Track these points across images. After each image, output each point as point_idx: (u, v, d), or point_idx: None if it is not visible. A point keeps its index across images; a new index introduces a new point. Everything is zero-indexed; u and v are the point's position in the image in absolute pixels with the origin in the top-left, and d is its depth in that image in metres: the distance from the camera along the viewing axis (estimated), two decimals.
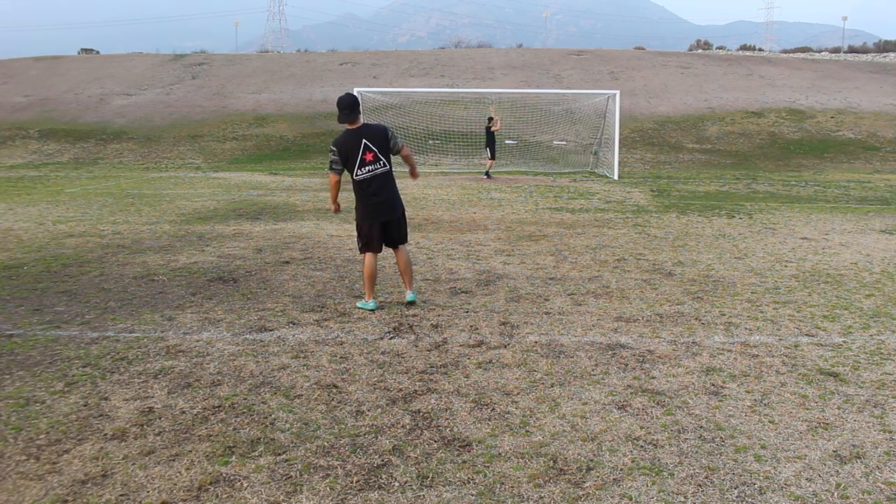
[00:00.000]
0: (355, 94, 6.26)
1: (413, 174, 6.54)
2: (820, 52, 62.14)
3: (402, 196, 6.43)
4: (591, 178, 20.94)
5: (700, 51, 59.30)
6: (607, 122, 23.15)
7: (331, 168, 6.11)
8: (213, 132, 31.03)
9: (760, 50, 65.54)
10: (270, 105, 34.30)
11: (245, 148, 29.14)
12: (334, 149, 6.01)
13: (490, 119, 20.08)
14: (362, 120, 6.09)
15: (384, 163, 6.04)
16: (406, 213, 6.46)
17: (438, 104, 28.92)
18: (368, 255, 6.23)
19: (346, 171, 6.10)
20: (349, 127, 6.01)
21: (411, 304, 6.33)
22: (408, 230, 6.46)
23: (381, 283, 7.10)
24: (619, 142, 22.02)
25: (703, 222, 11.71)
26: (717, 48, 64.66)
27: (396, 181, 6.32)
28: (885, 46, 63.31)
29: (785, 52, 66.60)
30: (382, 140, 6.03)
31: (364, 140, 5.96)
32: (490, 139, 19.99)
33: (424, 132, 26.37)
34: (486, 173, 20.36)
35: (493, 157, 20.14)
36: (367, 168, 5.98)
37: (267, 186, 17.56)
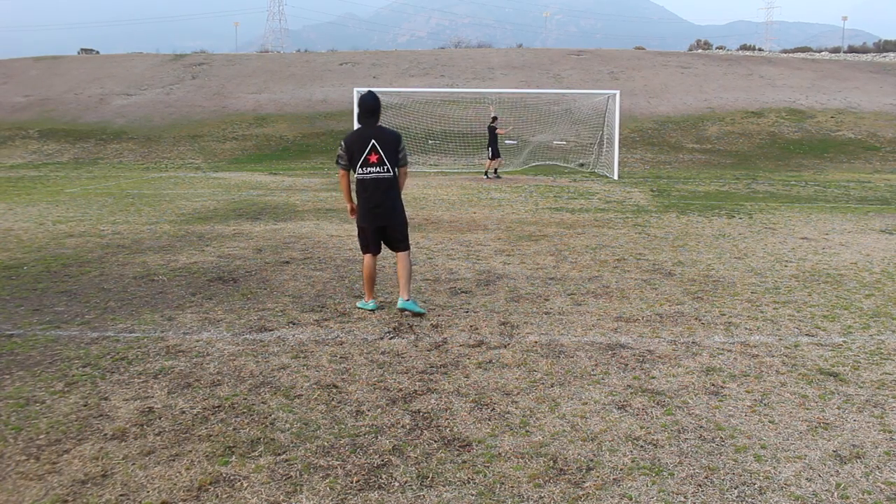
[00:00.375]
0: (378, 96, 6.01)
1: None
2: (820, 51, 62.16)
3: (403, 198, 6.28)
4: (591, 178, 20.95)
5: (700, 51, 59.32)
6: (607, 123, 23.14)
7: (337, 163, 6.08)
8: (213, 132, 31.04)
9: (760, 50, 65.55)
10: (270, 105, 34.31)
11: (245, 148, 29.15)
12: (343, 144, 5.99)
13: (494, 118, 20.04)
14: (381, 123, 6.00)
15: (388, 168, 5.89)
16: (406, 219, 6.19)
17: (438, 104, 28.93)
18: (367, 256, 6.19)
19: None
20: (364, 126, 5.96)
21: (403, 311, 6.04)
22: (408, 239, 6.17)
23: (381, 283, 7.10)
24: (619, 142, 22.02)
25: (703, 222, 11.71)
26: (716, 48, 64.68)
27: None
28: (885, 46, 63.34)
29: (785, 51, 66.63)
30: (392, 146, 5.90)
31: (373, 140, 5.86)
32: (492, 139, 19.94)
33: (424, 132, 26.37)
34: (486, 173, 20.34)
35: (496, 157, 20.06)
36: (368, 169, 5.88)
37: (267, 186, 17.56)
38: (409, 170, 6.34)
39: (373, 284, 6.27)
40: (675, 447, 3.69)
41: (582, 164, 23.24)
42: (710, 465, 3.50)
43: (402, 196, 6.27)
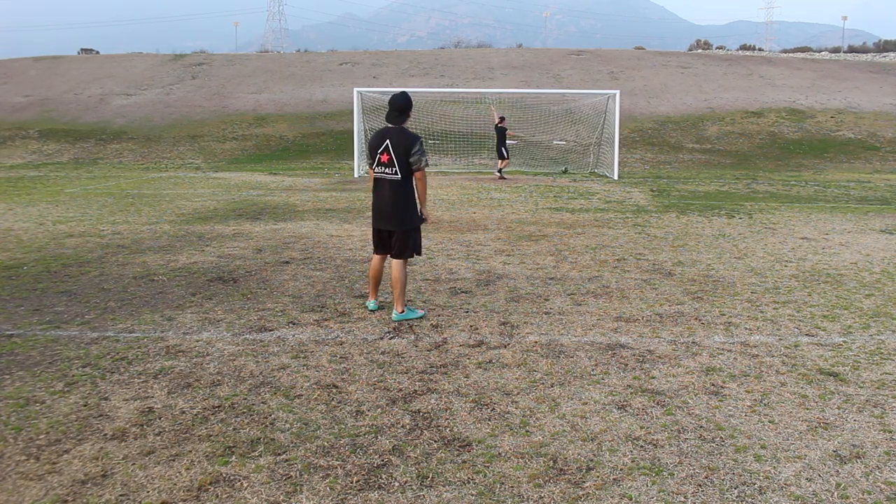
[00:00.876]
0: (409, 96, 5.88)
1: (419, 203, 5.97)
2: (820, 51, 62.16)
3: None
4: (591, 178, 20.96)
5: (700, 51, 59.31)
6: (607, 122, 23.12)
7: (367, 162, 6.08)
8: (213, 132, 31.04)
9: (760, 50, 65.55)
10: (270, 105, 34.31)
11: (245, 148, 29.14)
12: (368, 142, 5.98)
13: (502, 119, 20.14)
14: (406, 125, 5.89)
15: (395, 171, 5.76)
16: (412, 228, 5.90)
17: (438, 104, 28.92)
18: (374, 256, 6.18)
19: None
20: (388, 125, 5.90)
21: (397, 322, 5.88)
22: (409, 250, 5.95)
23: (383, 283, 7.08)
24: (619, 142, 22.02)
25: (703, 222, 11.71)
26: (716, 48, 64.68)
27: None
28: (885, 46, 63.37)
29: (785, 51, 66.62)
30: (403, 149, 5.72)
31: (387, 140, 5.78)
32: (502, 139, 19.98)
33: (424, 132, 26.34)
34: (498, 172, 20.48)
35: (507, 157, 20.18)
36: (379, 169, 5.83)
37: (267, 186, 17.56)
38: None
39: (377, 284, 6.25)
40: (675, 447, 3.70)
41: (566, 171, 23.02)
42: (710, 465, 3.50)
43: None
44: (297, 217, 12.01)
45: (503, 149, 19.95)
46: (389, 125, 5.87)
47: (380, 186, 5.89)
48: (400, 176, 5.78)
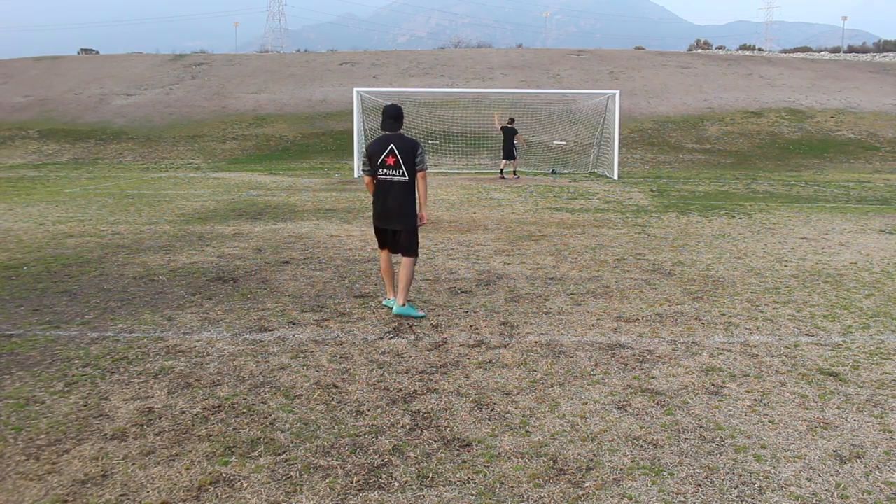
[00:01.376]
0: (400, 106, 6.22)
1: (419, 205, 6.13)
2: (820, 51, 62.16)
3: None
4: (591, 178, 20.97)
5: (700, 51, 59.31)
6: (607, 122, 23.11)
7: (362, 170, 6.26)
8: (212, 132, 31.04)
9: (760, 50, 65.56)
10: (270, 105, 34.31)
11: (245, 148, 29.15)
12: (365, 151, 6.16)
13: (511, 120, 20.24)
14: (402, 132, 6.14)
15: (403, 172, 5.97)
16: (416, 227, 6.10)
17: (438, 104, 28.91)
18: (382, 252, 6.29)
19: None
20: (386, 133, 6.10)
21: (397, 316, 5.98)
22: (416, 247, 6.14)
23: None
24: (619, 142, 22.02)
25: (703, 222, 11.71)
26: (716, 48, 64.70)
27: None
28: (884, 46, 63.39)
29: (785, 51, 66.63)
30: (409, 151, 5.99)
31: (391, 145, 5.99)
32: (510, 140, 20.03)
33: (424, 132, 26.35)
34: (513, 172, 20.55)
35: (514, 157, 20.29)
36: (385, 171, 5.99)
37: (267, 186, 17.56)
38: None
39: (391, 278, 6.32)
40: (675, 447, 3.70)
41: (554, 172, 22.93)
42: (710, 465, 3.50)
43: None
44: (297, 217, 12.01)
45: (513, 149, 20.01)
46: (388, 132, 6.09)
47: (385, 188, 6.03)
48: (407, 177, 6.00)
